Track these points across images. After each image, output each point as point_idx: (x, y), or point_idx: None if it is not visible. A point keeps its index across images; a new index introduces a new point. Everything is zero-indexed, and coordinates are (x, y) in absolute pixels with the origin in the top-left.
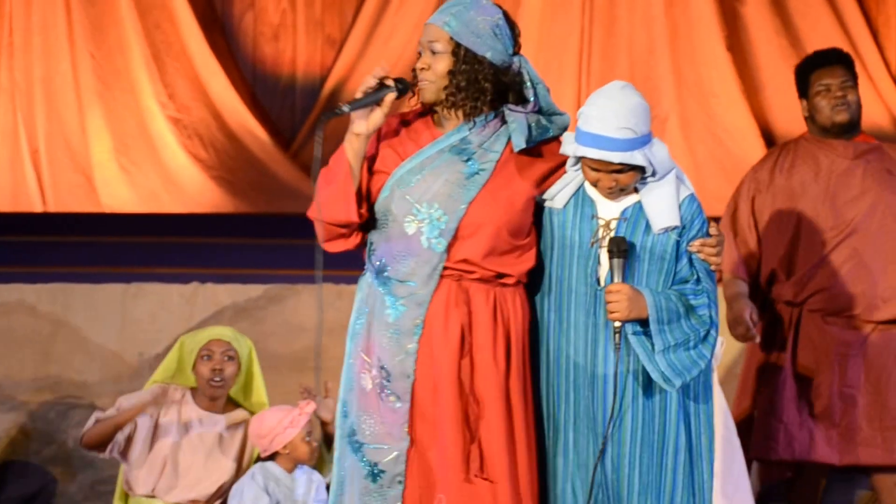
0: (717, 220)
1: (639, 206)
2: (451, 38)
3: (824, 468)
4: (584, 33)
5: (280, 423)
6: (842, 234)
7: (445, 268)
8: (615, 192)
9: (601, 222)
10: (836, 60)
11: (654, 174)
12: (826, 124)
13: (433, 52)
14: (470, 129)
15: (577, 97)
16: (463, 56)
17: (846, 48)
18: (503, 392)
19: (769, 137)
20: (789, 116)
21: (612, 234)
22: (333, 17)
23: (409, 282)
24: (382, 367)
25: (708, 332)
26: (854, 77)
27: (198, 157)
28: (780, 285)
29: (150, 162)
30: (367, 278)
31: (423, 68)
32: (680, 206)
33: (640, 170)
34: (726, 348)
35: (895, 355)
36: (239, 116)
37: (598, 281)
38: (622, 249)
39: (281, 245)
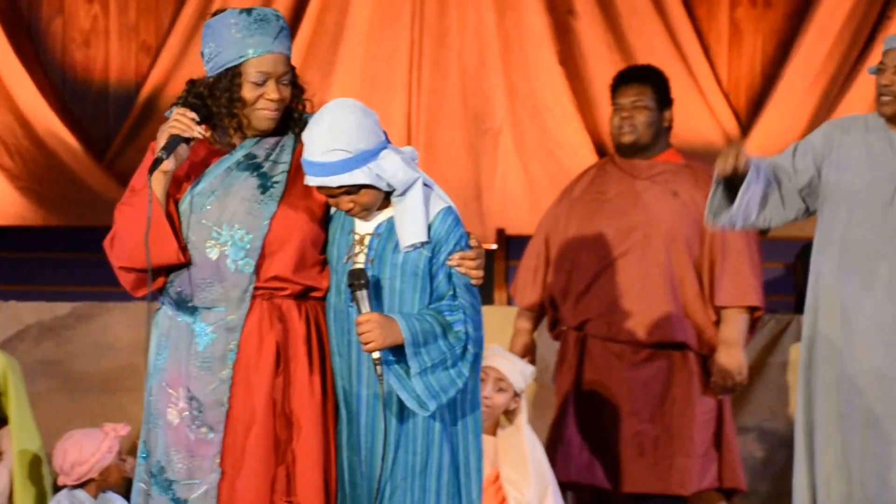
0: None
1: (392, 222)
2: (292, 67)
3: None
4: (415, 44)
5: (100, 449)
6: (615, 256)
7: (256, 288)
8: (361, 212)
9: (356, 238)
10: (633, 80)
11: (391, 188)
12: (615, 144)
13: (284, 85)
14: (254, 144)
15: (407, 109)
16: (295, 82)
17: (678, 64)
18: (319, 411)
19: (602, 152)
20: None
21: (366, 249)
22: (149, 24)
23: (218, 308)
24: (192, 399)
25: (465, 349)
26: (656, 97)
27: (3, 165)
28: (562, 309)
29: None
30: (166, 311)
31: None
32: (433, 221)
33: (374, 187)
34: None
35: (669, 381)
36: (48, 123)
37: (350, 298)
38: (362, 282)
39: (91, 259)
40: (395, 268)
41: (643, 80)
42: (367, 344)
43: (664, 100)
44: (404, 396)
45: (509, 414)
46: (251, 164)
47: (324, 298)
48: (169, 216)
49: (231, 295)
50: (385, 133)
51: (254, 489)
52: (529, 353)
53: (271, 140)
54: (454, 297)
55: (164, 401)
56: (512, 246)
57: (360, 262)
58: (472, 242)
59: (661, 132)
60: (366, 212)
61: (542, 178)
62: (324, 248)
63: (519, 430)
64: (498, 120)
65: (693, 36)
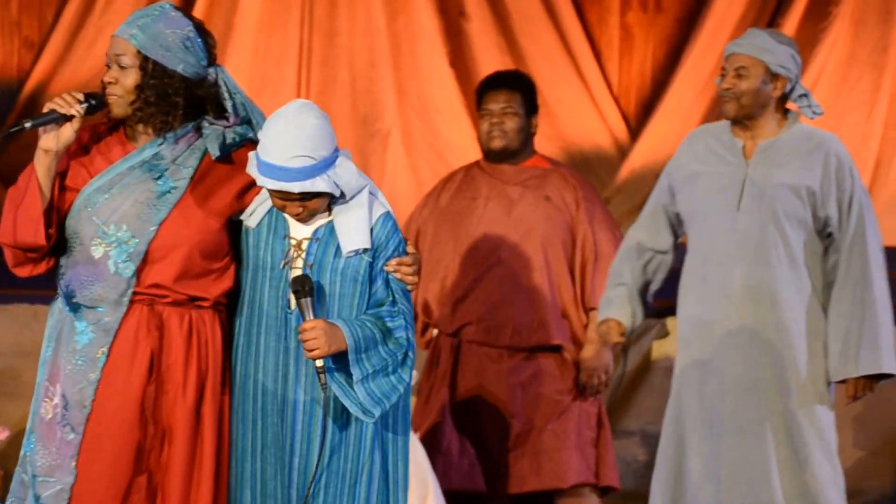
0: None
1: (331, 226)
2: (139, 52)
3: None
4: (304, 45)
5: None
6: (492, 262)
7: (136, 293)
8: (305, 217)
9: (293, 242)
10: (502, 85)
11: (343, 196)
12: (483, 149)
13: (120, 66)
14: (161, 145)
15: None
16: (151, 70)
17: (569, 68)
18: (192, 419)
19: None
20: None
21: (304, 254)
22: (32, 19)
23: (98, 307)
24: (63, 396)
25: (406, 355)
26: (525, 103)
27: None
28: (436, 316)
29: None
30: (59, 304)
31: (110, 82)
32: (374, 226)
33: (327, 194)
34: None
35: (546, 382)
36: None
37: (288, 304)
38: (307, 289)
39: None
40: (335, 273)
41: (512, 86)
42: (311, 351)
43: (532, 106)
44: (348, 403)
45: None
46: (154, 166)
47: (213, 307)
48: (51, 200)
49: (109, 296)
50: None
51: (101, 494)
52: None
53: (182, 143)
54: (393, 302)
55: (42, 394)
56: None
57: (298, 266)
58: (409, 249)
59: (528, 138)
60: (311, 217)
61: (431, 180)
62: (223, 256)
63: None
64: (387, 121)
65: (584, 40)
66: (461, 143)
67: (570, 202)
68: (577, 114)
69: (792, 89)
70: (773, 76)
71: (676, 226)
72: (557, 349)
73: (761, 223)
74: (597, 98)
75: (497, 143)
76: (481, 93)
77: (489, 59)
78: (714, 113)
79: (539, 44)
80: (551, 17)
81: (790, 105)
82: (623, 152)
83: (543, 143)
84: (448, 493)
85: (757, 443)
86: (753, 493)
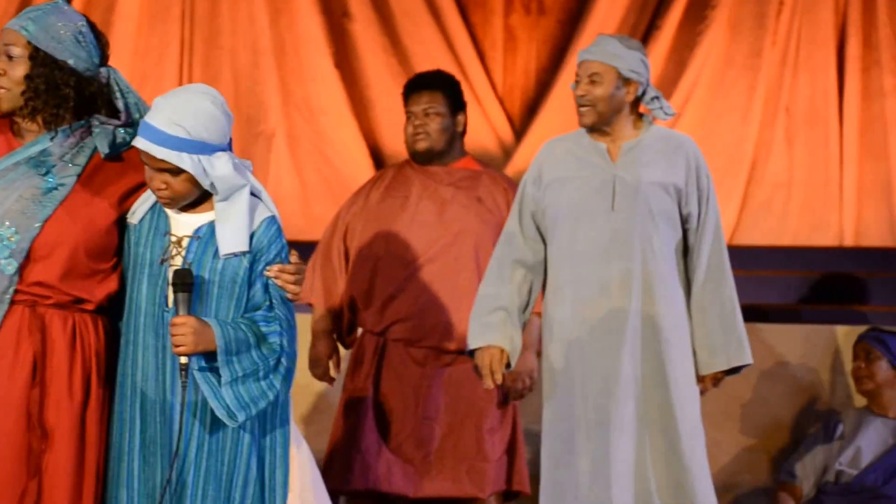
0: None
1: (213, 225)
2: (29, 43)
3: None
4: (185, 44)
5: None
6: (423, 262)
7: (18, 291)
8: (169, 200)
9: (173, 239)
10: (424, 86)
11: (215, 190)
12: (409, 151)
13: (10, 58)
14: (51, 140)
15: None
16: (41, 61)
17: (454, 69)
18: (77, 423)
19: (378, 157)
20: (398, 135)
21: (184, 252)
22: None
23: None
24: None
25: (279, 361)
26: (448, 103)
27: None
28: (363, 314)
29: None
30: None
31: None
32: (256, 230)
33: (198, 183)
34: None
35: (469, 386)
36: None
37: (166, 301)
38: (187, 283)
39: None
40: (213, 273)
41: (434, 86)
42: (177, 347)
43: (457, 105)
44: (214, 405)
45: None
46: (41, 163)
47: (97, 310)
48: None
49: None
50: (231, 141)
51: (2, 500)
52: (335, 355)
53: (71, 140)
54: (270, 308)
55: None
56: None
57: (177, 264)
58: (293, 258)
59: (455, 137)
60: (172, 201)
61: (315, 182)
62: (110, 257)
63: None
64: (271, 122)
65: (468, 42)
66: (346, 144)
67: (502, 204)
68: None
69: (644, 92)
70: (626, 81)
71: (542, 237)
72: None
73: (635, 221)
74: (481, 99)
75: (421, 145)
76: (405, 95)
77: (374, 59)
78: None
79: (423, 45)
80: (435, 19)
81: (642, 108)
82: (507, 153)
83: None
84: (366, 493)
85: (638, 437)
86: (636, 486)
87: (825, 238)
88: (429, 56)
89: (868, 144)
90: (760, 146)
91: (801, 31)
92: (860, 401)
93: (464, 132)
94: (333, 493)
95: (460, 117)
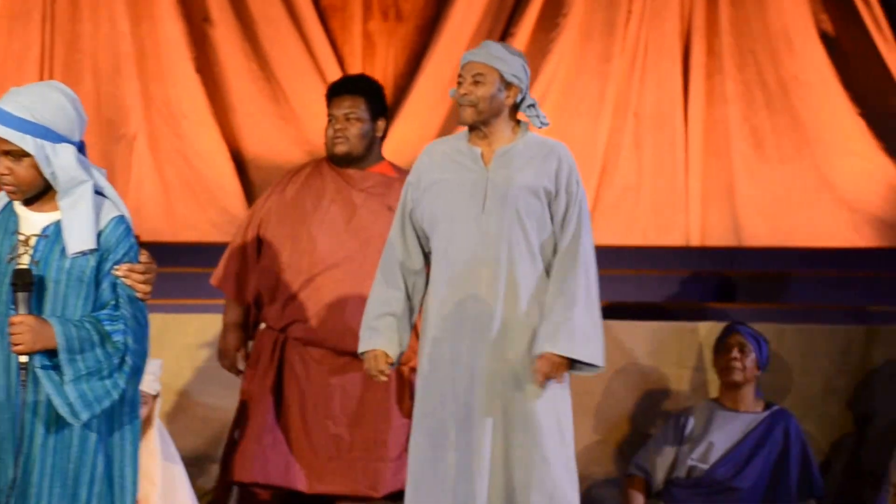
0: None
1: (61, 224)
2: None
3: (304, 496)
4: (45, 48)
5: None
6: (327, 265)
7: None
8: (13, 189)
9: (21, 238)
10: (347, 91)
11: (55, 180)
12: (328, 154)
13: None
14: None
15: None
16: None
17: (314, 75)
18: None
19: (239, 160)
20: (259, 139)
21: (32, 251)
22: None
23: None
24: None
25: (123, 360)
26: (369, 108)
27: None
28: (266, 309)
29: None
30: None
31: None
32: (105, 229)
33: (38, 172)
34: None
35: (366, 387)
36: None
37: (14, 301)
38: (26, 283)
39: None
40: (60, 272)
41: (356, 91)
42: (15, 346)
43: (378, 110)
44: (57, 403)
45: (146, 421)
46: None
47: None
48: None
49: None
50: (83, 144)
51: None
52: (243, 347)
53: None
54: (116, 307)
55: None
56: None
57: (25, 263)
58: (143, 258)
59: (374, 142)
60: (17, 190)
61: (177, 184)
62: None
63: (150, 439)
64: (133, 126)
65: (328, 47)
66: (208, 147)
67: None
68: (322, 118)
69: (523, 99)
70: (507, 84)
71: (423, 240)
72: None
73: (504, 223)
74: None
75: (340, 149)
76: (328, 97)
77: (235, 64)
78: (453, 118)
79: (284, 50)
80: (295, 24)
81: (520, 115)
82: None
83: (291, 147)
84: (262, 487)
85: (502, 434)
86: (500, 482)
87: (673, 238)
88: (289, 61)
89: (712, 148)
90: (610, 150)
91: (648, 39)
92: (705, 395)
93: (383, 138)
94: (229, 485)
95: (380, 123)
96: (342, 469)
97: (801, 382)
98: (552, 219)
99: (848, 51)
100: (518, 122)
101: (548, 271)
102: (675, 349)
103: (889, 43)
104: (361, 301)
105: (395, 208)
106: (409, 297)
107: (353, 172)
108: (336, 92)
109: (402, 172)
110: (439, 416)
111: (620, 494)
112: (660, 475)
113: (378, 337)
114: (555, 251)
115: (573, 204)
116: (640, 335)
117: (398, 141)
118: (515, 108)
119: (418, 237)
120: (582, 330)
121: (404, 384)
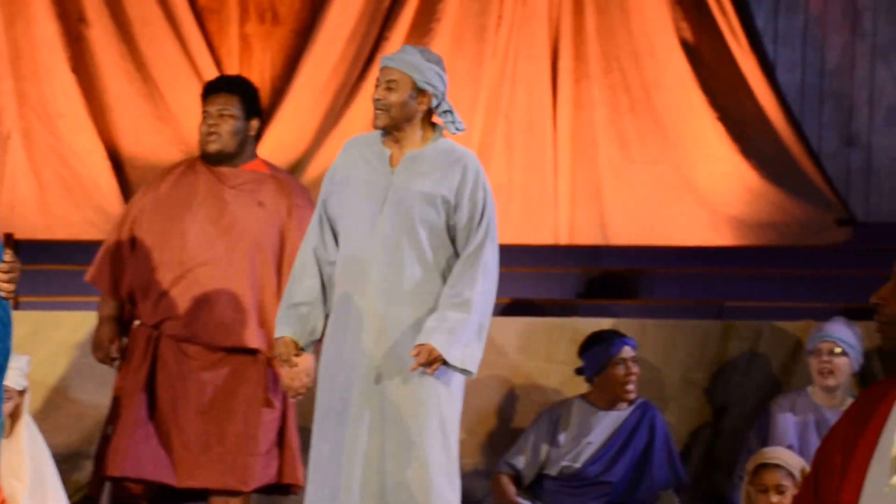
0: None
1: None
2: None
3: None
4: None
5: None
6: (198, 262)
7: None
8: None
9: None
10: (221, 89)
11: None
12: (201, 150)
13: None
14: None
15: None
16: None
17: (191, 76)
18: None
19: (116, 159)
20: (136, 139)
21: None
22: None
23: None
24: None
25: None
26: (243, 106)
27: None
28: (140, 305)
29: None
30: None
31: None
32: None
33: None
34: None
35: (239, 383)
36: None
37: None
38: None
39: None
40: None
41: (230, 89)
42: None
43: (251, 110)
44: None
45: (13, 417)
46: None
47: None
48: None
49: None
50: None
51: None
52: (117, 340)
53: None
54: None
55: None
56: (22, 250)
57: None
58: (6, 256)
59: (247, 141)
60: None
61: (53, 183)
62: None
63: (19, 436)
64: (7, 125)
65: (205, 49)
66: (84, 146)
67: (283, 209)
68: (199, 119)
69: (438, 105)
70: (420, 92)
71: (336, 233)
72: (254, 352)
73: (398, 227)
74: None
75: (212, 147)
76: (203, 95)
77: (111, 64)
78: (329, 121)
79: (160, 51)
80: (172, 26)
81: (436, 119)
82: None
83: (167, 146)
84: (133, 481)
85: (377, 431)
86: (370, 479)
87: (542, 237)
88: (166, 63)
89: (579, 150)
90: (482, 152)
91: (518, 45)
92: (571, 391)
93: (258, 138)
94: (102, 480)
95: (254, 122)
96: (212, 463)
97: (662, 375)
98: (455, 228)
99: (706, 57)
100: (434, 126)
101: (444, 278)
102: (543, 344)
103: (744, 49)
104: (233, 297)
105: (266, 204)
106: (324, 287)
107: (225, 170)
108: (211, 90)
109: (276, 170)
110: (324, 409)
111: (489, 487)
112: (530, 473)
113: (287, 325)
114: (457, 257)
115: (477, 213)
116: (511, 331)
117: (274, 143)
118: (429, 113)
119: (332, 229)
120: (465, 335)
121: (275, 378)
